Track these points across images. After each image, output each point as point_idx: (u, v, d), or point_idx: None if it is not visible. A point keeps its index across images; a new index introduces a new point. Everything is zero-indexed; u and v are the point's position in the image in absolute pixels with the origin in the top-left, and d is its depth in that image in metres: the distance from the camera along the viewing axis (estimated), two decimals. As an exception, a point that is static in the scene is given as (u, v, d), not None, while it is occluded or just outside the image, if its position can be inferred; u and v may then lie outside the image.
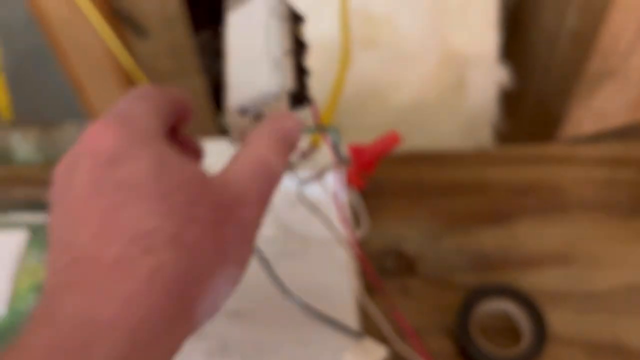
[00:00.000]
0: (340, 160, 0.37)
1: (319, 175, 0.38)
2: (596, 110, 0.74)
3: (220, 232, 0.23)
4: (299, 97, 0.32)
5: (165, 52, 0.99)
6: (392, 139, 0.38)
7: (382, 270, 0.47)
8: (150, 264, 0.21)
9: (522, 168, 0.53)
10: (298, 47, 0.33)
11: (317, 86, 0.74)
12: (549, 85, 0.84)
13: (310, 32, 0.73)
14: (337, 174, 0.42)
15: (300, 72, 0.33)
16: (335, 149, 0.36)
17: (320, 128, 0.35)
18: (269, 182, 0.26)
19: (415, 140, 0.72)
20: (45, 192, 0.54)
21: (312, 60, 0.73)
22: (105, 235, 0.21)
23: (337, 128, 0.35)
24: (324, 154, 0.52)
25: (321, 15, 0.70)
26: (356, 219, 0.50)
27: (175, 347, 0.22)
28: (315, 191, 0.47)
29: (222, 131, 1.06)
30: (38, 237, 0.48)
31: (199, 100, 1.07)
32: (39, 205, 0.49)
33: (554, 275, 0.46)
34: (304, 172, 0.49)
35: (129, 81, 1.09)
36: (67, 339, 0.19)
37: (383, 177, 0.52)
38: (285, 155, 0.27)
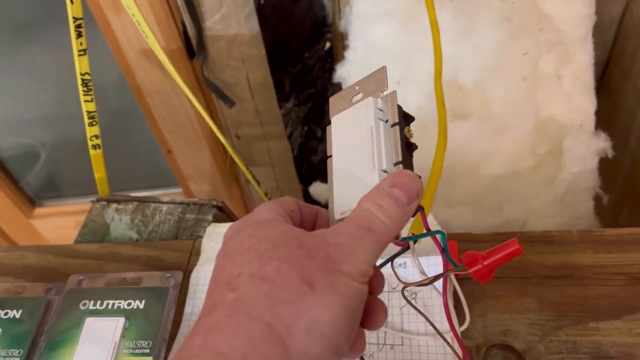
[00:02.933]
0: (453, 268, 0.35)
1: (429, 283, 0.36)
2: None
3: (303, 264, 0.26)
4: None
5: (251, 119, 1.01)
6: (514, 251, 0.34)
7: (490, 366, 0.44)
8: (232, 298, 0.26)
9: (638, 254, 0.49)
10: (407, 148, 0.32)
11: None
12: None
13: (400, 103, 0.72)
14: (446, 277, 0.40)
15: None
16: (446, 254, 0.34)
17: (430, 233, 0.33)
18: (370, 235, 0.27)
19: (510, 210, 0.69)
20: (138, 272, 0.54)
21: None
22: (212, 289, 0.28)
23: (442, 231, 0.34)
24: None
25: (411, 87, 0.69)
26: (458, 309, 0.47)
27: None
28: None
29: (306, 194, 1.07)
30: (133, 323, 0.48)
31: (285, 163, 1.09)
32: (132, 291, 0.50)
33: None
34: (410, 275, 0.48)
35: (213, 144, 1.13)
36: None
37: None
38: (397, 210, 0.28)
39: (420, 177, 0.31)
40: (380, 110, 0.32)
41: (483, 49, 0.66)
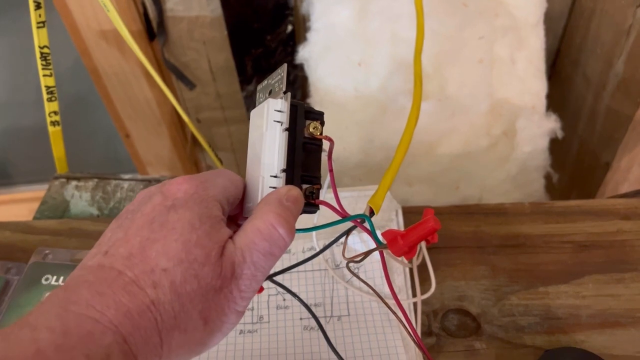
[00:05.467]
0: (377, 246, 0.36)
1: (364, 257, 0.38)
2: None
3: (211, 296, 0.27)
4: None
5: (212, 102, 1.01)
6: (431, 228, 0.34)
7: (446, 330, 0.46)
8: (153, 297, 0.26)
9: (584, 223, 0.52)
10: (312, 144, 0.32)
11: (366, 135, 0.75)
12: (595, 133, 0.83)
13: (361, 84, 0.73)
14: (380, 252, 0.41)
15: (311, 175, 0.32)
16: (373, 234, 0.35)
17: (355, 216, 0.34)
18: (271, 249, 0.29)
19: (466, 188, 0.72)
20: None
21: (361, 112, 0.74)
22: (135, 259, 0.26)
23: (366, 215, 0.34)
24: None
25: (372, 69, 0.71)
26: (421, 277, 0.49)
27: None
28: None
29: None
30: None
31: (246, 148, 1.08)
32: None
33: (627, 337, 0.45)
34: (351, 253, 0.49)
35: (173, 130, 1.12)
36: (72, 326, 0.24)
37: (443, 231, 0.52)
38: (290, 220, 0.29)
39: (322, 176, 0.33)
40: (279, 111, 0.31)
41: (441, 33, 0.68)
